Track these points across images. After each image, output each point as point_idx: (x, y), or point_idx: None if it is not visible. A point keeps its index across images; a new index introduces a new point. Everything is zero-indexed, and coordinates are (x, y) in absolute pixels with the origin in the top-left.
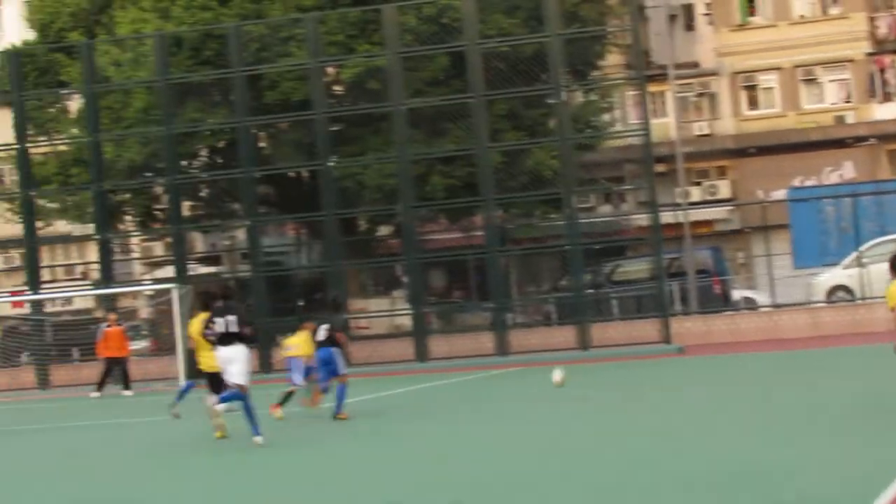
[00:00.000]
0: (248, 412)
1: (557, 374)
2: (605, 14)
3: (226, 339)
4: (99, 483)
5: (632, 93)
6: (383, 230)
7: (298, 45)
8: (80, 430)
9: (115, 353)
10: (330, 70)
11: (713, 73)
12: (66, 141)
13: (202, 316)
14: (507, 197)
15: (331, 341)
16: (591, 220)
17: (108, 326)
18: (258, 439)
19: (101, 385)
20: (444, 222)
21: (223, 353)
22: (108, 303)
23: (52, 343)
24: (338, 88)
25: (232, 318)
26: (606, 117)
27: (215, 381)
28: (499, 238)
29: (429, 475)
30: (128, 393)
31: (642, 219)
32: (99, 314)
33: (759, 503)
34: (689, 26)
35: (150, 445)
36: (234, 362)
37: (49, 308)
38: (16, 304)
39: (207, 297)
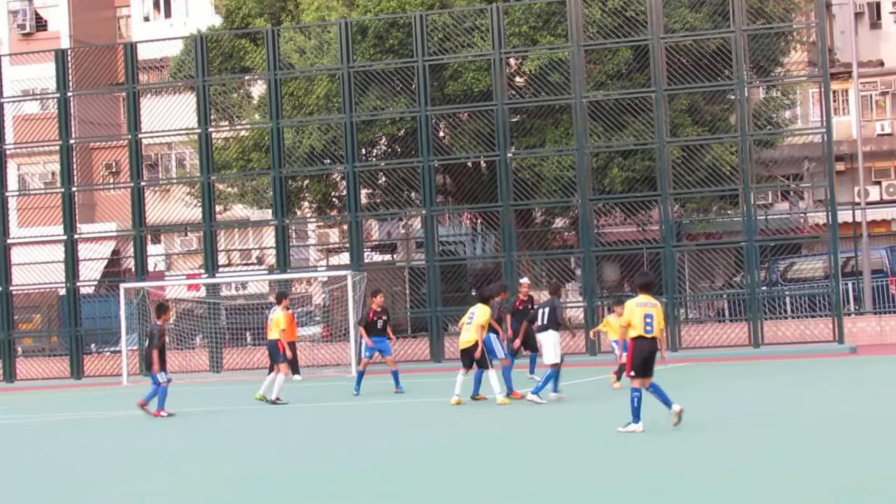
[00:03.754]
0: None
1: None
2: (791, 10)
3: (542, 327)
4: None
5: (814, 90)
6: (559, 222)
7: (482, 36)
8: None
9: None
10: (512, 61)
11: None
12: (248, 126)
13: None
14: (685, 192)
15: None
16: (768, 217)
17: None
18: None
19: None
20: (620, 215)
21: (540, 337)
22: (281, 287)
23: (226, 327)
24: (519, 80)
25: (548, 310)
26: (787, 114)
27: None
28: (674, 233)
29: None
30: (297, 378)
31: (819, 217)
32: (273, 299)
33: None
34: (875, 24)
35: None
36: (547, 345)
37: (224, 292)
38: (192, 287)
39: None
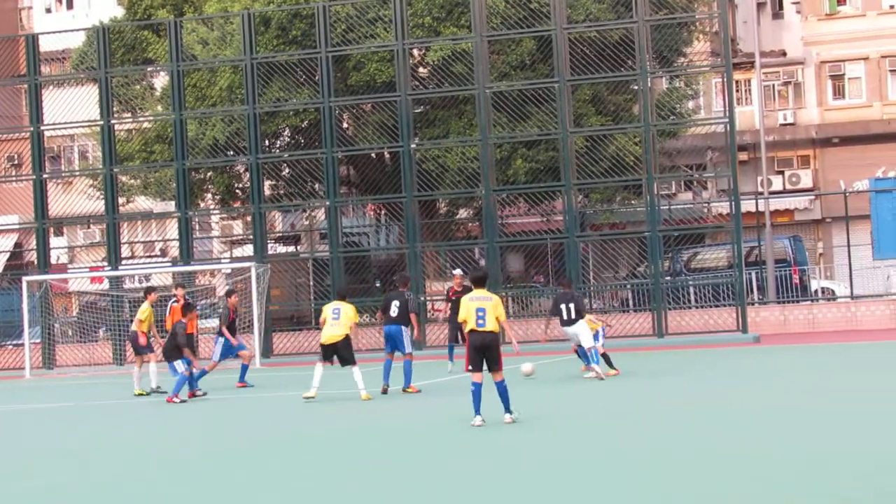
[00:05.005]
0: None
1: (527, 367)
2: (693, 0)
3: (571, 320)
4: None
5: (717, 80)
6: (463, 213)
7: (385, 27)
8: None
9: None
10: (415, 52)
11: (799, 62)
12: (151, 118)
13: None
14: (589, 182)
15: (402, 319)
16: (672, 206)
17: (176, 302)
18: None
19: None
20: (524, 206)
21: (571, 329)
22: (181, 279)
23: (129, 319)
24: (423, 71)
25: (572, 305)
26: (690, 104)
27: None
28: (578, 223)
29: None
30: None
31: (723, 207)
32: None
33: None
34: (777, 14)
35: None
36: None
37: (128, 284)
38: (95, 280)
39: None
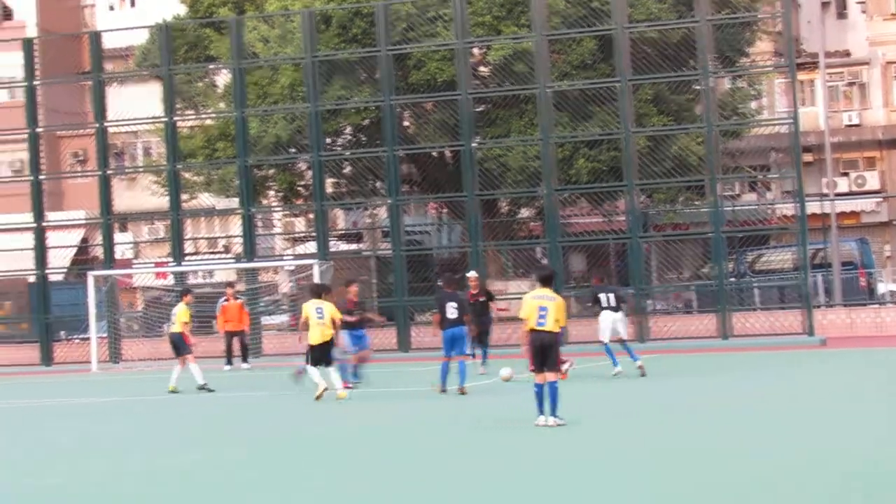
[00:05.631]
0: None
1: (506, 371)
2: (756, 0)
3: (614, 308)
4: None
5: (780, 81)
6: (525, 213)
7: (445, 26)
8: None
9: (233, 326)
10: (476, 51)
11: (865, 63)
12: (213, 115)
13: None
14: (651, 182)
15: (461, 320)
16: (735, 208)
17: (227, 300)
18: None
19: (229, 358)
20: (586, 206)
21: (614, 315)
22: (250, 277)
23: (193, 315)
24: (483, 70)
25: (612, 294)
26: (754, 105)
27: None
28: (641, 223)
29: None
30: (245, 366)
31: (787, 208)
32: (240, 287)
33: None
34: (842, 14)
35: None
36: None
37: (191, 280)
38: (159, 275)
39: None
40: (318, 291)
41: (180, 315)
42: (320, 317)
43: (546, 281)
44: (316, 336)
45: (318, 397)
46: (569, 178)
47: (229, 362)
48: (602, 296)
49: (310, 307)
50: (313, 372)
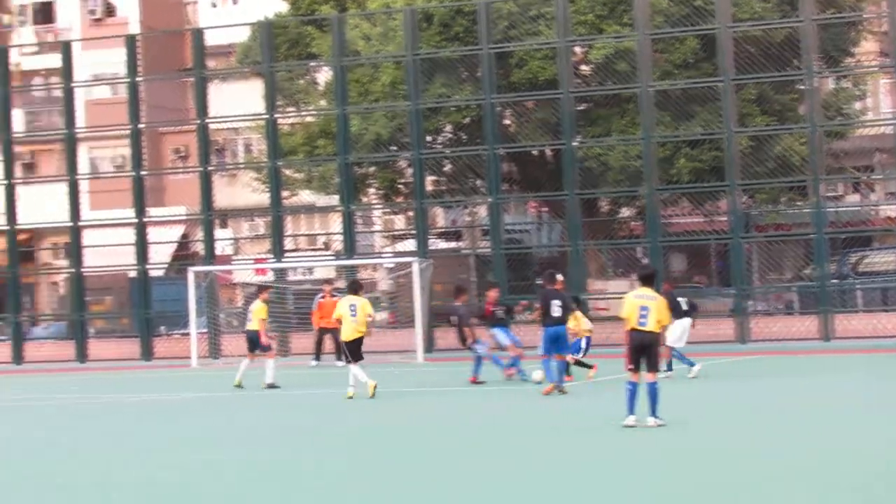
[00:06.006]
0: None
1: (538, 374)
2: (862, 0)
3: (686, 312)
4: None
5: (886, 81)
6: (625, 212)
7: (547, 24)
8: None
9: (328, 323)
10: (578, 50)
11: None
12: (314, 113)
13: None
14: (753, 182)
15: (565, 318)
16: (839, 209)
17: (323, 297)
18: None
19: (318, 354)
20: (687, 206)
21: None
22: (350, 273)
23: (293, 311)
24: (585, 68)
25: (684, 300)
26: (858, 105)
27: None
28: (743, 224)
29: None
30: (340, 363)
31: (891, 209)
32: (339, 285)
33: None
34: None
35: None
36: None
37: (291, 277)
38: (259, 272)
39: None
40: (355, 288)
41: (257, 312)
42: (353, 314)
43: (647, 280)
44: (348, 332)
45: (370, 395)
46: (670, 178)
47: (317, 358)
48: (678, 300)
49: (344, 304)
50: (356, 370)
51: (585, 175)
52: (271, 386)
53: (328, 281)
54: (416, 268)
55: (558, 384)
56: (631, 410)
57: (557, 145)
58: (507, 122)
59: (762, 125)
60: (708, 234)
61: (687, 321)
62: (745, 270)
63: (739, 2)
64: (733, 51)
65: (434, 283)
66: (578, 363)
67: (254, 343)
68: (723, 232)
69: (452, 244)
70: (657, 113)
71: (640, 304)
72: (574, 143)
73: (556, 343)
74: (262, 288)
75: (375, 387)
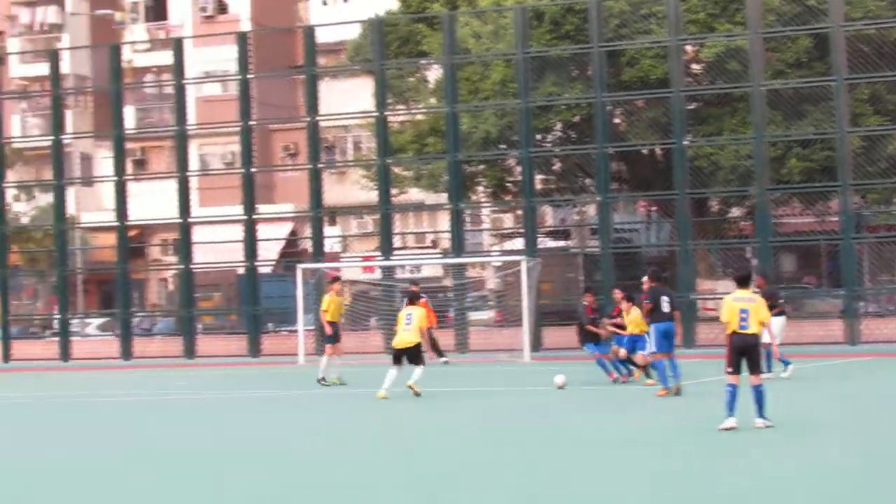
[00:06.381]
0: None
1: (560, 379)
2: None
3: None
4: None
5: None
6: (735, 212)
7: (659, 23)
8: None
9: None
10: (689, 48)
11: None
12: (424, 111)
13: None
14: (865, 183)
15: (672, 315)
16: None
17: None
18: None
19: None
20: (797, 206)
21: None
22: (457, 272)
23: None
24: (696, 67)
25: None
26: None
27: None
28: (854, 224)
29: None
30: (442, 360)
31: None
32: (448, 282)
33: None
34: None
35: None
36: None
37: (399, 274)
38: (367, 269)
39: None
40: (413, 299)
41: (323, 304)
42: (408, 323)
43: (743, 282)
44: (398, 340)
45: (381, 397)
46: (781, 178)
47: (441, 354)
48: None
49: (402, 312)
50: (390, 373)
51: (695, 174)
52: (322, 381)
53: (415, 282)
54: (524, 266)
55: (676, 384)
56: (731, 413)
57: (668, 144)
58: (616, 120)
59: (875, 125)
60: (818, 235)
61: (780, 321)
62: (856, 271)
63: (853, 0)
64: (846, 50)
65: (541, 282)
66: (630, 361)
67: (328, 336)
68: (834, 232)
69: (560, 243)
70: (768, 112)
71: (739, 307)
72: (684, 143)
73: (667, 339)
74: (333, 279)
75: (385, 397)
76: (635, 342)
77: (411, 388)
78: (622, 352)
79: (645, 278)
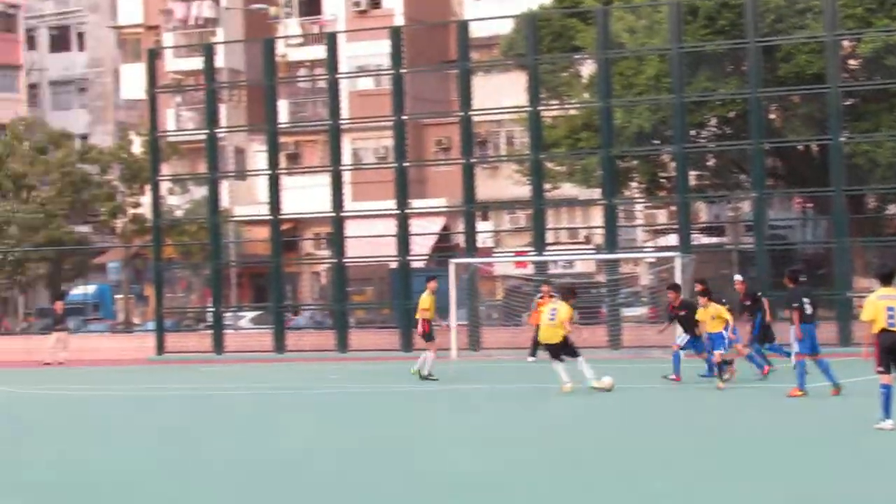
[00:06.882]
0: None
1: (607, 380)
2: None
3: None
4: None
5: None
6: (893, 209)
7: (815, 18)
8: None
9: None
10: (846, 44)
11: None
12: (577, 105)
13: None
14: None
15: (815, 316)
16: None
17: (541, 298)
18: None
19: (534, 350)
20: None
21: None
22: (610, 268)
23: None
24: (853, 63)
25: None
26: None
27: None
28: None
29: None
30: (531, 359)
31: None
32: (600, 279)
33: None
34: None
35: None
36: None
37: (552, 270)
38: (519, 265)
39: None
40: (566, 295)
41: (423, 303)
42: (552, 318)
43: (887, 279)
44: (542, 334)
45: (566, 390)
46: None
47: (533, 354)
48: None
49: (547, 307)
50: (558, 367)
51: (852, 171)
52: (426, 377)
53: (548, 283)
54: (678, 263)
55: (836, 384)
56: (887, 414)
57: (824, 141)
58: (771, 116)
59: None
60: None
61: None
62: None
63: None
64: None
65: (695, 279)
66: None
67: (427, 333)
68: None
69: (714, 239)
70: None
71: (886, 305)
72: (841, 139)
73: (812, 340)
74: (429, 278)
75: (570, 389)
76: (714, 340)
77: (595, 388)
78: (716, 355)
79: (738, 279)
